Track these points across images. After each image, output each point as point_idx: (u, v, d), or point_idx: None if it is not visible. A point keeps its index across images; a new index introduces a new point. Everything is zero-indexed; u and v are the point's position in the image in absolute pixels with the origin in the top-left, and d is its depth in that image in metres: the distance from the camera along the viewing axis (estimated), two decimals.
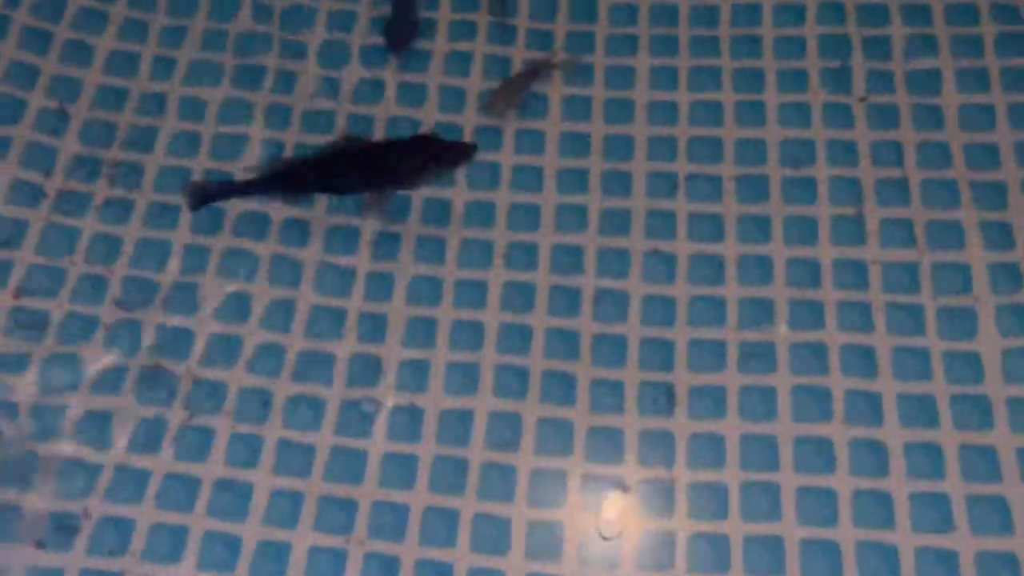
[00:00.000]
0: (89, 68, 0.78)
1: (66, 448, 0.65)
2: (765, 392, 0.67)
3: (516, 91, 0.77)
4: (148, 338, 0.68)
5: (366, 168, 0.68)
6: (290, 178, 0.69)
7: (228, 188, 0.70)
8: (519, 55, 0.80)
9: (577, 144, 0.76)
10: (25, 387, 0.67)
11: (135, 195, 0.73)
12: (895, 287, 0.71)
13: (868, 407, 0.67)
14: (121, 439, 0.65)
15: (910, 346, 0.69)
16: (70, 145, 0.75)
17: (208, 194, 0.70)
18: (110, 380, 0.67)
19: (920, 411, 0.67)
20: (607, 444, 0.66)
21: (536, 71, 0.78)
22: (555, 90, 0.78)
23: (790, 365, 0.68)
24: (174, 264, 0.70)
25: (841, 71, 0.78)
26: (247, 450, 0.65)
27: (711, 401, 0.67)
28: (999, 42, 0.78)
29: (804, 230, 0.73)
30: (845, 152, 0.75)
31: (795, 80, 0.78)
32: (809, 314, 0.70)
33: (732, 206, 0.73)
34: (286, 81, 0.78)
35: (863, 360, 0.68)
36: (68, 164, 0.74)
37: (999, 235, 0.71)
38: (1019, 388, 0.67)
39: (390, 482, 0.65)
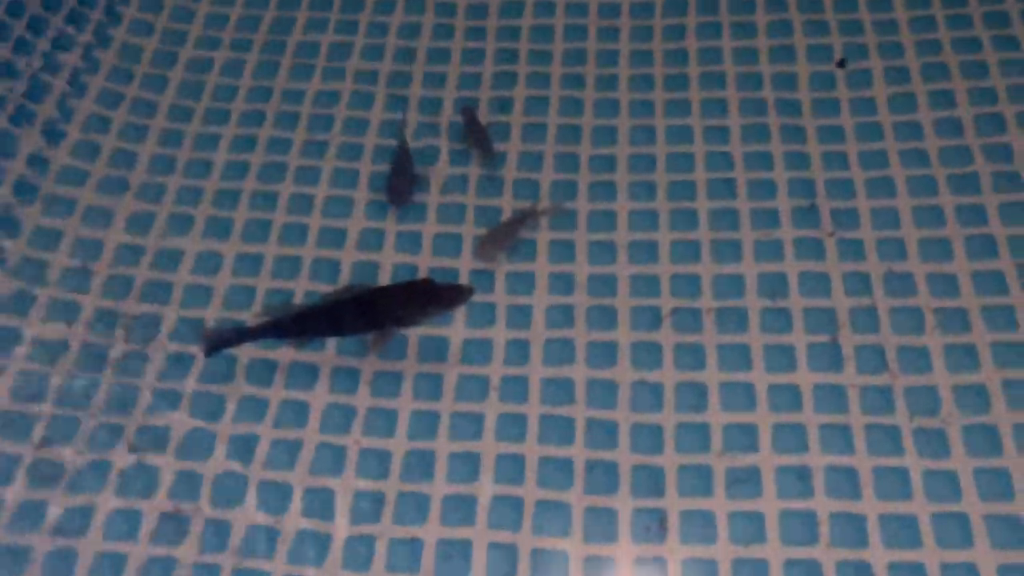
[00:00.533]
0: (109, 229, 0.84)
1: None
2: (753, 517, 0.70)
3: (506, 237, 0.83)
4: (161, 482, 0.72)
5: (369, 312, 0.73)
6: (299, 323, 0.74)
7: (241, 334, 0.75)
8: (508, 204, 0.86)
9: (564, 283, 0.81)
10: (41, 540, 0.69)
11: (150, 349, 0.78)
12: (872, 409, 0.74)
13: (853, 529, 0.69)
14: None
15: (890, 466, 0.72)
16: (92, 300, 0.80)
17: (222, 341, 0.75)
18: (124, 523, 0.70)
19: (902, 531, 0.69)
20: (602, 574, 0.68)
21: (524, 218, 0.84)
22: (542, 235, 0.84)
23: (776, 489, 0.71)
24: (185, 412, 0.75)
25: (809, 209, 0.84)
26: None
27: (702, 527, 0.70)
28: (951, 181, 0.84)
29: (783, 358, 0.77)
30: (818, 283, 0.80)
31: (768, 218, 0.84)
32: (792, 438, 0.73)
33: (713, 336, 0.78)
34: (296, 232, 0.84)
35: (846, 482, 0.71)
36: (89, 318, 0.79)
37: (965, 357, 0.75)
38: (995, 506, 0.69)
39: None
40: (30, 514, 0.70)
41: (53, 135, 0.88)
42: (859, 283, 0.79)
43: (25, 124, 0.88)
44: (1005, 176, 0.84)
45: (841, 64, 0.94)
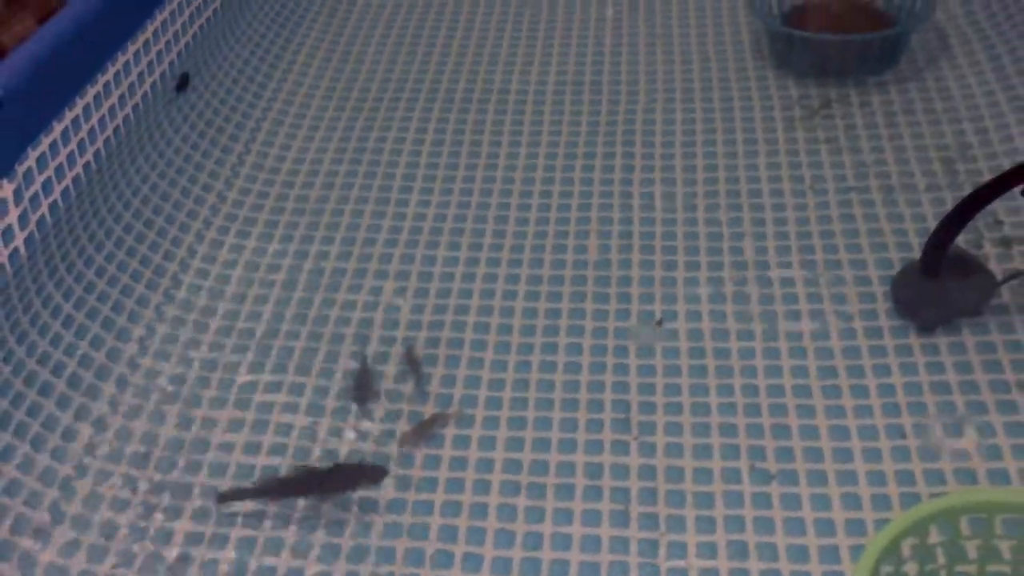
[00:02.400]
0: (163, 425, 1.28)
1: None
2: None
3: (423, 431, 1.25)
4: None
5: (325, 483, 1.15)
6: (280, 488, 1.16)
7: (242, 493, 1.16)
8: (429, 410, 1.29)
9: (460, 463, 1.21)
10: None
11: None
12: None
13: None
14: None
15: None
16: (149, 474, 1.22)
17: (229, 497, 1.16)
18: None
19: None
20: None
21: (437, 419, 1.26)
22: (449, 429, 1.25)
23: None
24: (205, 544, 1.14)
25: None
26: None
27: None
28: None
29: None
30: None
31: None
32: None
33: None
34: (284, 429, 1.27)
35: None
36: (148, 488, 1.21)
37: None
38: None
39: None
40: None
41: None
42: None
43: None
44: None
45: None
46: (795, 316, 1.36)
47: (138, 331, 1.39)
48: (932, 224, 1.35)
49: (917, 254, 1.35)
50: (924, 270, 1.31)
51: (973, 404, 1.21)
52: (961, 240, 1.31)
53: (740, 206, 1.56)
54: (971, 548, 0.99)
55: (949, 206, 1.37)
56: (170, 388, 1.32)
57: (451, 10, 2.14)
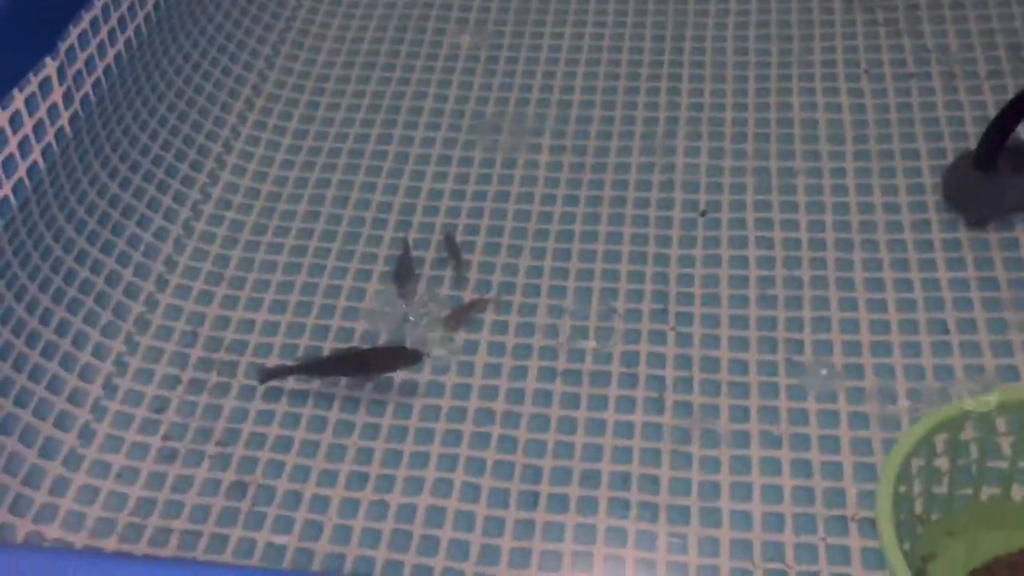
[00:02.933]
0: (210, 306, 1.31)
1: None
2: None
3: (462, 315, 1.26)
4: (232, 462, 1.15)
5: (364, 363, 1.18)
6: (321, 366, 1.19)
7: (284, 370, 1.20)
8: (468, 296, 1.30)
9: (498, 348, 1.22)
10: None
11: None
12: None
13: None
14: None
15: None
16: (197, 352, 1.26)
17: (272, 374, 1.20)
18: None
19: None
20: None
21: (476, 303, 1.27)
22: (488, 315, 1.27)
23: None
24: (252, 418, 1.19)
25: None
26: None
27: None
28: None
29: None
30: None
31: None
32: None
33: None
34: (327, 310, 1.29)
35: None
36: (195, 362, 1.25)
37: None
38: None
39: None
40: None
41: None
42: None
43: None
44: None
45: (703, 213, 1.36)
46: (843, 208, 1.33)
47: (184, 213, 1.41)
48: (992, 113, 1.30)
49: (973, 145, 1.30)
50: (979, 162, 1.26)
51: (1020, 301, 1.19)
52: (1021, 131, 1.26)
53: (791, 90, 1.51)
54: (1005, 444, 0.99)
55: (1011, 95, 1.32)
56: (215, 269, 1.34)
57: None
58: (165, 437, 1.16)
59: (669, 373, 1.17)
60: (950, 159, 1.35)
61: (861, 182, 1.36)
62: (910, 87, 1.49)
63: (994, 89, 1.46)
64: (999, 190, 1.26)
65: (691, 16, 1.66)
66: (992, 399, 0.93)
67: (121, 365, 1.23)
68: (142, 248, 1.34)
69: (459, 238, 1.35)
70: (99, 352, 1.23)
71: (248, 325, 1.27)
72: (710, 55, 1.58)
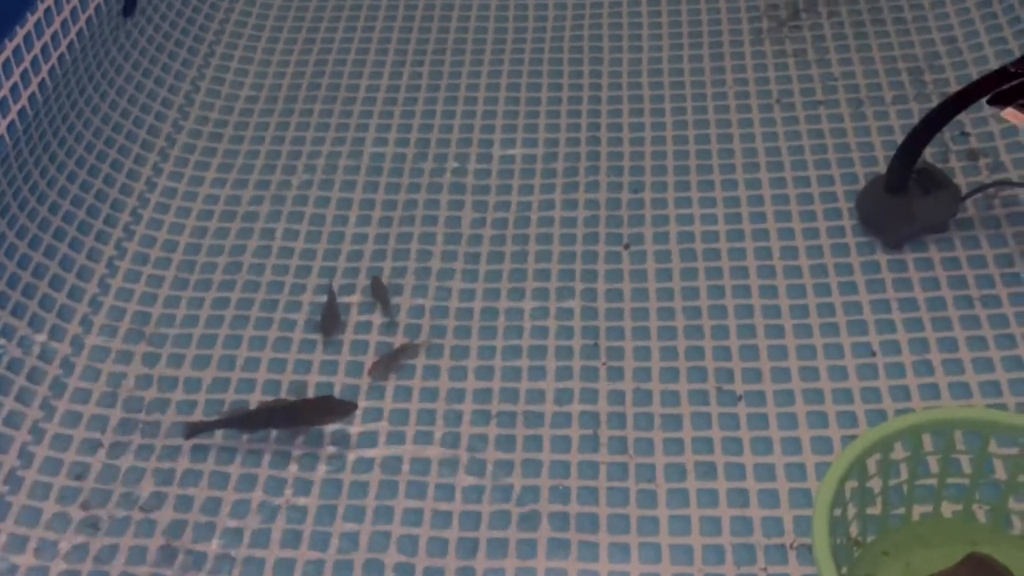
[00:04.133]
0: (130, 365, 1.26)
1: None
2: None
3: (393, 362, 1.24)
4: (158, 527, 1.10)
5: (294, 416, 1.15)
6: (248, 421, 1.16)
7: (210, 425, 1.16)
8: (398, 340, 1.28)
9: (430, 393, 1.21)
10: None
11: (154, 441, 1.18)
12: None
13: None
14: None
15: None
16: (117, 413, 1.22)
17: (198, 429, 1.16)
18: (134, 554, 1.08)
19: None
20: None
21: (407, 349, 1.25)
22: (419, 360, 1.25)
23: None
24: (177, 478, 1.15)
25: None
26: None
27: None
28: None
29: None
30: None
31: None
32: None
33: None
34: (253, 363, 1.26)
35: None
36: (115, 425, 1.20)
37: None
38: None
39: None
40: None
41: None
42: None
43: None
44: None
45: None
46: (763, 235, 1.36)
47: (99, 269, 1.36)
48: (899, 138, 1.34)
49: (883, 169, 1.34)
50: (890, 186, 1.30)
51: (938, 320, 1.22)
52: (928, 153, 1.30)
53: (707, 121, 1.54)
54: (933, 462, 1.01)
55: (916, 119, 1.36)
56: (134, 327, 1.30)
57: None
58: (85, 506, 1.11)
59: (603, 408, 1.17)
60: (863, 183, 1.39)
61: (779, 209, 1.39)
62: (820, 114, 1.53)
63: (900, 114, 1.51)
64: (911, 212, 1.30)
65: (607, 53, 1.68)
66: (917, 418, 0.95)
67: (37, 432, 1.18)
68: (56, 309, 1.29)
69: (386, 281, 1.33)
70: (13, 421, 1.18)
71: (171, 383, 1.23)
72: (626, 90, 1.61)
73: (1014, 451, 0.97)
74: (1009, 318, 1.22)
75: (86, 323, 1.30)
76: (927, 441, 1.00)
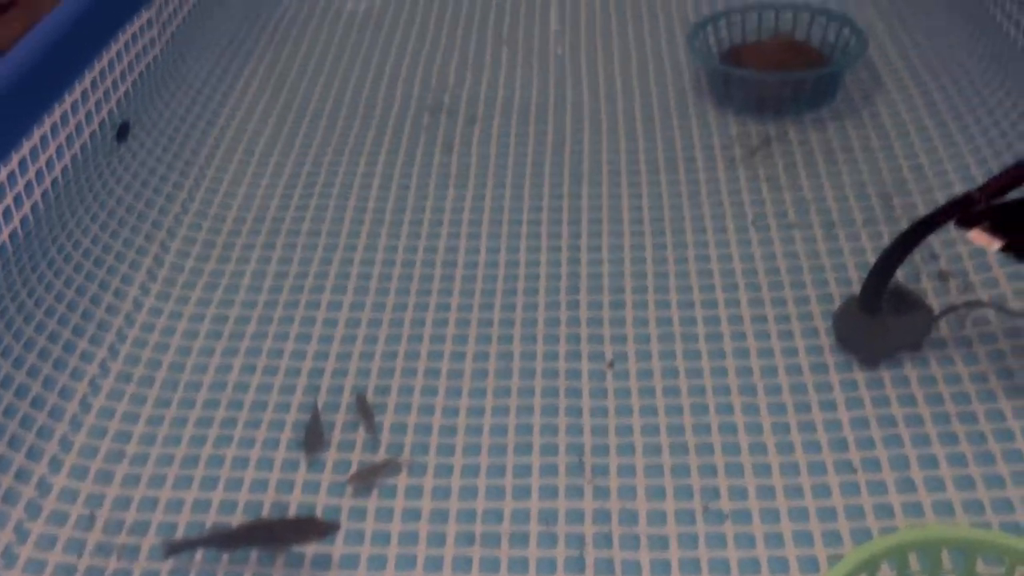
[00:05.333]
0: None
1: None
2: None
3: (372, 475, 1.24)
4: None
5: (275, 535, 1.13)
6: (229, 540, 1.14)
7: (192, 543, 1.14)
8: (380, 458, 1.27)
9: (412, 515, 1.20)
10: None
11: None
12: None
13: None
14: None
15: None
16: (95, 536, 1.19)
17: (179, 547, 1.14)
18: None
19: None
20: None
21: (388, 464, 1.25)
22: (402, 479, 1.24)
23: None
24: None
25: None
26: None
27: None
28: None
29: None
30: None
31: None
32: None
33: None
34: (235, 483, 1.25)
35: None
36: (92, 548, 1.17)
37: None
38: None
39: None
40: None
41: None
42: None
43: None
44: None
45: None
46: (743, 353, 1.38)
47: (82, 388, 1.36)
48: (871, 258, 1.38)
49: (857, 288, 1.38)
50: (864, 306, 1.33)
51: (918, 437, 1.24)
52: (900, 274, 1.34)
53: (685, 244, 1.58)
54: None
55: (887, 240, 1.41)
56: (115, 447, 1.29)
57: (395, 54, 2.15)
58: None
59: (588, 529, 1.16)
60: (838, 303, 1.42)
61: (758, 328, 1.42)
62: (794, 236, 1.58)
63: (871, 236, 1.56)
64: (885, 331, 1.33)
65: (586, 175, 1.74)
66: (903, 537, 0.95)
67: (10, 557, 1.15)
68: (35, 428, 1.28)
69: (370, 399, 1.34)
70: None
71: (151, 504, 1.22)
72: (607, 211, 1.65)
73: (1000, 570, 0.97)
74: (987, 435, 1.23)
75: (65, 443, 1.29)
76: (913, 560, 1.00)
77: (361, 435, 1.29)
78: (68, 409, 1.33)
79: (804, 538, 1.14)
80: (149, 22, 1.82)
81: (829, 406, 1.29)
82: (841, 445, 1.24)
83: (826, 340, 1.39)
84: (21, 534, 1.17)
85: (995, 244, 1.22)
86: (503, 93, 1.99)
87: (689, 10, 2.24)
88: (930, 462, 1.21)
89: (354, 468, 1.24)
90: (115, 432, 1.31)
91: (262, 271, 1.58)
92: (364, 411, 1.32)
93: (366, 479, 1.22)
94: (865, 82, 1.93)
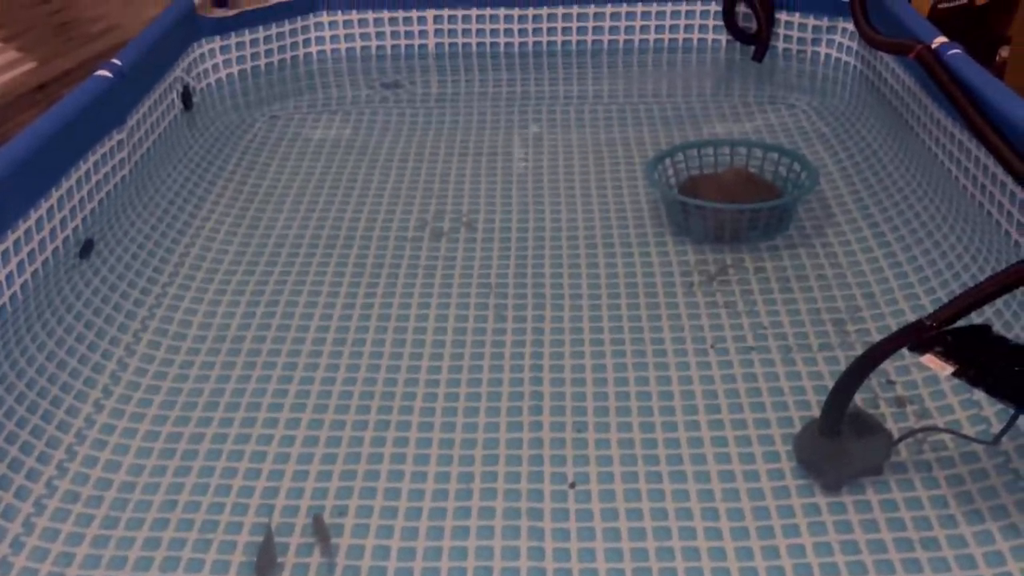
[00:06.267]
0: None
1: None
2: None
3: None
4: None
5: None
6: None
7: None
8: (341, 564, 1.23)
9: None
10: None
11: None
12: None
13: None
14: None
15: None
16: None
17: None
18: None
19: None
20: None
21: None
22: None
23: None
24: None
25: None
26: None
27: None
28: None
29: None
30: None
31: None
32: None
33: None
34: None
35: None
36: None
37: None
38: None
39: None
40: None
41: None
42: None
43: None
44: None
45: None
46: (704, 477, 1.37)
47: (26, 508, 1.31)
48: (828, 383, 1.40)
49: (816, 412, 1.39)
50: (824, 429, 1.34)
51: (881, 563, 1.23)
52: (858, 399, 1.36)
53: (646, 365, 1.59)
54: None
55: (843, 365, 1.43)
56: (56, 569, 1.24)
57: (364, 174, 2.19)
58: None
59: None
60: (798, 426, 1.43)
61: (719, 451, 1.42)
62: (752, 359, 1.60)
63: (827, 360, 1.59)
64: (846, 456, 1.34)
65: (548, 299, 1.76)
66: None
67: None
68: None
69: (327, 520, 1.30)
70: None
71: None
72: (568, 334, 1.67)
73: None
74: (949, 561, 1.22)
75: (4, 566, 1.23)
76: None
77: (316, 558, 1.25)
78: (10, 530, 1.27)
79: None
80: (120, 143, 1.85)
81: (792, 531, 1.28)
82: (805, 571, 1.22)
83: (787, 463, 1.39)
84: None
85: (947, 369, 1.25)
86: (467, 218, 2.03)
87: (647, 144, 2.32)
88: None
89: None
90: (57, 554, 1.26)
91: (220, 389, 1.56)
92: (320, 531, 1.28)
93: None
94: (817, 213, 2.00)
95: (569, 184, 2.16)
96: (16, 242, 1.50)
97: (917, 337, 1.28)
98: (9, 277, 1.48)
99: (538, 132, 2.38)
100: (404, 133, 2.40)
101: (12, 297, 1.49)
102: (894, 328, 1.35)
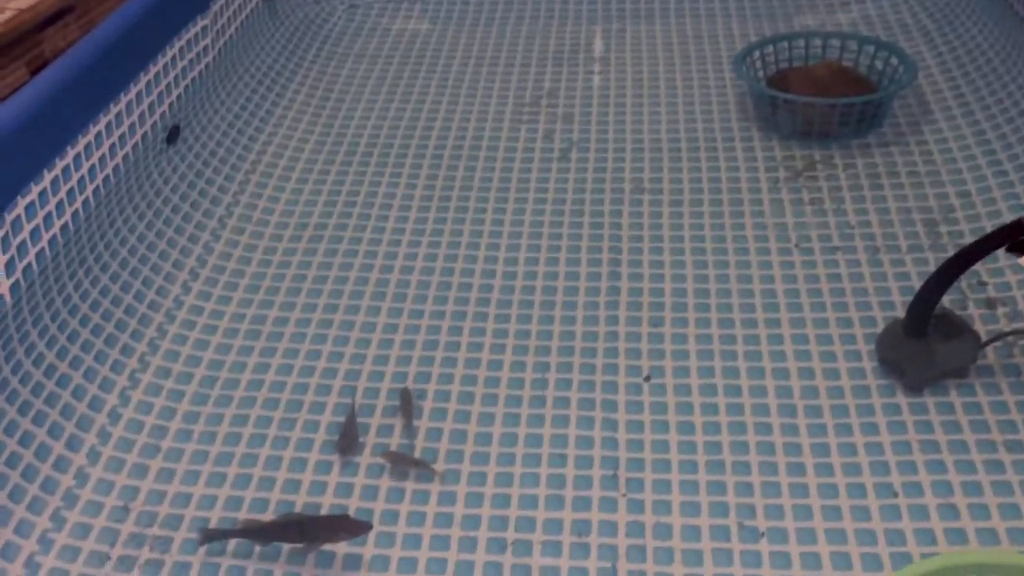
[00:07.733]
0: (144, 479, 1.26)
1: None
2: None
3: (407, 462, 1.24)
4: None
5: (307, 532, 1.13)
6: (262, 533, 1.14)
7: (225, 534, 1.14)
8: (419, 446, 1.27)
9: (445, 519, 1.20)
10: None
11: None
12: None
13: None
14: None
15: None
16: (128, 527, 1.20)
17: (213, 536, 1.14)
18: None
19: None
20: None
21: (422, 464, 1.25)
22: (435, 485, 1.24)
23: None
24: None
25: None
26: None
27: None
28: None
29: None
30: None
31: None
32: None
33: None
34: (267, 482, 1.25)
35: None
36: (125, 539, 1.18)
37: None
38: None
39: None
40: None
41: None
42: None
43: None
44: None
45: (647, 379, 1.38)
46: (783, 374, 1.36)
47: (121, 382, 1.37)
48: (916, 284, 1.36)
49: (900, 314, 1.36)
50: (909, 330, 1.31)
51: (962, 464, 1.21)
52: (946, 300, 1.32)
53: (727, 263, 1.57)
54: None
55: (932, 267, 1.39)
56: (151, 440, 1.30)
57: (442, 66, 2.17)
58: None
59: (621, 541, 1.15)
60: (881, 327, 1.40)
61: (799, 348, 1.40)
62: (838, 259, 1.56)
63: (916, 262, 1.54)
64: (931, 357, 1.31)
65: (627, 194, 1.74)
66: (949, 559, 0.93)
67: (46, 543, 1.16)
68: (75, 419, 1.29)
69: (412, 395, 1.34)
70: (23, 530, 1.16)
71: (184, 499, 1.22)
72: (648, 230, 1.65)
73: None
74: None
75: (103, 435, 1.30)
76: None
77: (396, 439, 1.29)
78: (107, 402, 1.34)
79: (842, 560, 1.11)
80: (204, 29, 1.85)
81: (871, 429, 1.27)
82: (882, 468, 1.21)
83: (868, 363, 1.36)
84: (57, 521, 1.18)
85: None
86: (547, 110, 2.00)
87: (736, 37, 2.24)
88: (974, 489, 1.18)
89: (388, 474, 1.24)
90: (151, 427, 1.32)
91: (302, 275, 1.59)
92: (406, 409, 1.32)
93: (402, 463, 1.23)
94: (913, 110, 1.92)
95: (653, 77, 2.10)
96: (107, 126, 1.53)
97: (1015, 237, 1.23)
98: (102, 160, 1.52)
99: (620, 27, 2.30)
100: (481, 24, 2.35)
101: (105, 179, 1.53)
102: (989, 229, 1.30)
